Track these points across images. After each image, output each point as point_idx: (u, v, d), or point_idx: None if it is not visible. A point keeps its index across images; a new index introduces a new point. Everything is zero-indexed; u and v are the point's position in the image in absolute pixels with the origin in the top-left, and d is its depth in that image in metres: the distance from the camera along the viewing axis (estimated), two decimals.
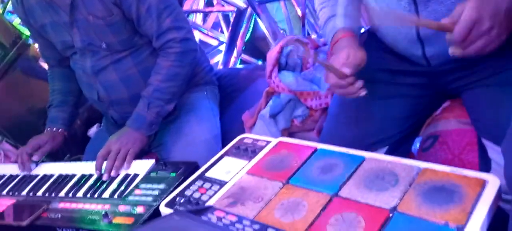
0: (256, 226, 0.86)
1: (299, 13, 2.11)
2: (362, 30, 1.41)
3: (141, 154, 1.47)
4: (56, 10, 1.45)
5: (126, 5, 1.39)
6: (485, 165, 1.07)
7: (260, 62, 2.54)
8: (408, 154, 1.31)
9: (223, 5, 2.22)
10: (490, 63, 1.08)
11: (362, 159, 0.99)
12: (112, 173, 1.33)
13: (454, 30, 0.89)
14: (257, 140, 1.19)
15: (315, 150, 1.06)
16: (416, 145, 1.35)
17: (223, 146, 1.55)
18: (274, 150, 1.11)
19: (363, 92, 1.09)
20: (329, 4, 1.27)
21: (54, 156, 1.72)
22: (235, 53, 2.23)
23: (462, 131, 1.16)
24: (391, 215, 0.83)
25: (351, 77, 1.08)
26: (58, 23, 1.48)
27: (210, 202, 1.00)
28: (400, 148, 1.26)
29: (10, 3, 2.45)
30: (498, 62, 1.07)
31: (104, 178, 1.33)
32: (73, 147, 1.96)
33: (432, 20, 0.98)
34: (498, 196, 0.82)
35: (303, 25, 2.05)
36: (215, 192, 1.03)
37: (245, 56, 2.40)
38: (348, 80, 1.08)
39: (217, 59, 2.45)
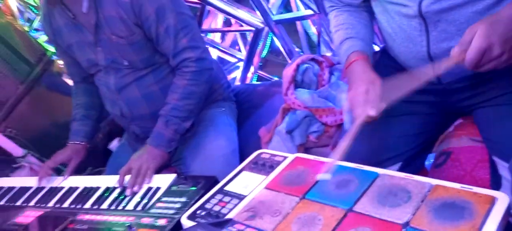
0: None
1: (315, 31, 2.17)
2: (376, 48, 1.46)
3: (161, 169, 1.53)
4: (82, 30, 1.53)
5: (147, 26, 1.46)
6: (495, 181, 1.10)
7: (276, 78, 2.60)
8: (421, 170, 1.35)
9: (241, 25, 2.29)
10: (500, 83, 1.12)
11: (376, 175, 1.03)
12: (135, 189, 1.39)
13: (466, 60, 0.92)
14: (274, 155, 1.23)
15: None
16: (430, 160, 1.38)
17: (241, 160, 1.61)
18: (291, 166, 1.16)
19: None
20: (344, 26, 1.30)
21: (76, 168, 1.80)
22: (252, 70, 2.30)
23: (474, 148, 1.20)
24: (404, 230, 0.86)
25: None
26: (84, 42, 1.56)
27: (230, 215, 1.05)
28: (413, 164, 1.29)
29: (36, 21, 2.57)
30: (508, 81, 1.10)
31: (127, 193, 1.39)
32: (94, 160, 2.03)
33: (443, 62, 1.01)
34: (507, 212, 0.85)
35: (319, 43, 2.10)
36: (235, 206, 1.08)
37: (261, 73, 2.47)
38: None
39: (235, 75, 2.52)
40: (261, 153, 1.26)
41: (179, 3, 1.48)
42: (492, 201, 0.87)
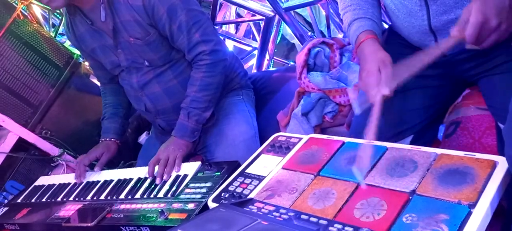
0: (291, 213, 0.99)
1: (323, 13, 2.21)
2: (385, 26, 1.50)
3: (187, 157, 1.63)
4: (102, 35, 1.63)
5: (160, 25, 1.55)
6: (502, 147, 1.15)
7: (291, 63, 2.66)
8: (433, 141, 1.40)
9: (253, 15, 2.36)
10: (503, 51, 1.16)
11: (385, 149, 1.10)
12: (164, 177, 1.49)
13: (466, 36, 0.98)
14: (290, 137, 1.31)
15: (343, 143, 1.18)
16: (441, 131, 1.43)
17: (261, 144, 1.69)
18: (306, 146, 1.24)
19: None
20: (352, 7, 1.33)
21: (110, 162, 1.92)
22: (267, 57, 2.37)
23: (481, 117, 1.25)
24: (410, 197, 0.93)
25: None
26: (105, 46, 1.66)
27: (251, 195, 1.14)
28: (425, 136, 1.34)
29: (61, 26, 2.69)
30: (510, 49, 1.14)
31: (157, 181, 1.49)
32: (126, 154, 2.15)
33: (446, 40, 1.05)
34: (508, 175, 0.91)
35: (328, 26, 2.15)
36: (255, 186, 1.17)
37: (276, 58, 2.53)
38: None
39: (251, 63, 2.59)
40: (278, 136, 1.34)
41: (188, 0, 1.56)
42: (493, 165, 0.93)
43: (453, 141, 1.29)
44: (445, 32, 1.18)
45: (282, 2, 2.19)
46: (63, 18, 2.12)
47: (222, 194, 1.20)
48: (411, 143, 1.31)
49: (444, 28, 1.17)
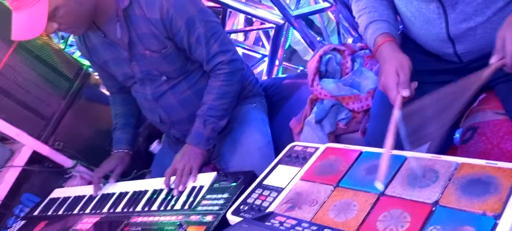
0: (314, 228, 0.99)
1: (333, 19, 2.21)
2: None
3: (202, 166, 1.63)
4: (116, 47, 1.63)
5: (178, 38, 1.55)
6: None
7: (301, 68, 2.66)
8: (450, 146, 1.40)
9: (262, 23, 2.36)
10: None
11: (404, 159, 1.09)
12: (180, 188, 1.49)
13: (507, 66, 1.00)
14: (306, 147, 1.31)
15: (360, 153, 1.18)
16: (457, 135, 1.43)
17: (275, 151, 1.70)
18: (323, 156, 1.23)
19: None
20: (366, 10, 1.33)
21: (123, 172, 1.92)
22: (276, 63, 2.37)
23: (499, 122, 1.24)
24: (433, 208, 0.93)
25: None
26: (119, 58, 1.66)
27: (271, 208, 1.13)
28: (442, 142, 1.34)
29: (71, 37, 2.70)
30: None
31: (174, 193, 1.49)
32: (138, 163, 2.15)
33: (487, 70, 1.04)
34: None
35: (338, 33, 2.15)
36: (274, 199, 1.17)
37: (286, 64, 2.53)
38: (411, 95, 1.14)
39: (261, 68, 2.60)
40: (294, 146, 1.34)
41: (205, 11, 1.57)
42: None
43: (471, 146, 1.28)
44: (464, 39, 1.18)
45: (291, 10, 2.19)
46: None
47: (241, 207, 1.20)
48: (428, 149, 1.31)
49: (463, 36, 1.17)
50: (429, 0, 1.17)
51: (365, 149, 1.18)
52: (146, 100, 1.74)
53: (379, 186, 1.01)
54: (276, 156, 1.38)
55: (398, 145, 1.19)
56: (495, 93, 1.25)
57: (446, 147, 1.35)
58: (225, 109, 1.61)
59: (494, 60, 1.02)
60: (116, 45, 1.63)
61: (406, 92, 1.13)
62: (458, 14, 1.16)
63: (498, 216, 0.85)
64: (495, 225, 0.84)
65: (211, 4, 2.31)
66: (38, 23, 1.39)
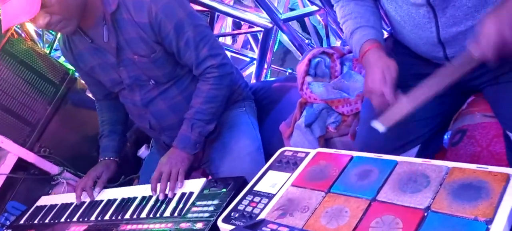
0: None
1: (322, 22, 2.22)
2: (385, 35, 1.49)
3: (190, 170, 1.61)
4: (103, 53, 1.60)
5: (167, 42, 1.53)
6: None
7: (289, 71, 2.66)
8: (440, 149, 1.40)
9: (250, 26, 2.35)
10: (508, 60, 1.15)
11: (395, 163, 1.09)
12: (169, 194, 1.47)
13: (488, 61, 1.00)
14: (297, 152, 1.30)
15: (351, 158, 1.17)
16: (446, 137, 1.43)
17: (265, 155, 1.68)
18: (313, 161, 1.22)
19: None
20: (352, 16, 1.32)
21: (110, 178, 1.90)
22: (265, 66, 2.37)
23: (487, 124, 1.25)
24: (425, 214, 0.93)
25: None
26: (106, 64, 1.63)
27: (262, 215, 1.12)
28: (431, 145, 1.34)
29: (56, 41, 2.66)
30: None
31: (160, 197, 1.47)
32: (126, 168, 2.13)
33: (461, 57, 1.06)
34: None
35: (327, 36, 2.15)
36: (265, 205, 1.15)
37: (274, 66, 2.52)
38: (392, 99, 1.15)
39: (250, 71, 2.59)
40: (284, 151, 1.33)
41: (194, 15, 1.55)
42: (507, 178, 0.92)
43: (460, 149, 1.29)
44: (455, 43, 1.18)
45: (280, 13, 2.19)
46: (58, 34, 2.09)
47: (232, 214, 1.18)
48: (418, 152, 1.31)
49: (454, 40, 1.17)
50: (419, 4, 1.17)
51: (355, 153, 1.18)
52: (135, 107, 1.71)
53: (379, 126, 1.01)
54: (266, 160, 1.37)
55: (388, 150, 1.20)
56: (484, 96, 1.26)
57: (435, 149, 1.35)
58: (213, 113, 1.60)
59: (471, 48, 1.02)
60: (103, 51, 1.60)
61: (388, 94, 1.14)
62: (448, 18, 1.16)
63: (489, 221, 0.85)
64: (487, 230, 0.84)
65: (199, 8, 2.30)
66: (32, 6, 1.35)
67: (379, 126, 1.09)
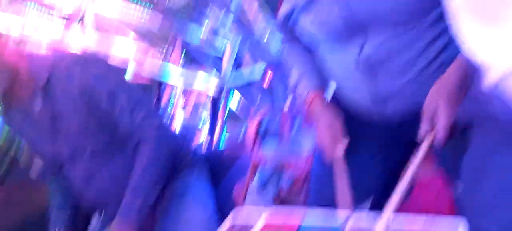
0: None
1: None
2: None
3: None
4: (38, 125, 1.54)
5: (100, 112, 1.48)
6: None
7: (245, 127, 2.64)
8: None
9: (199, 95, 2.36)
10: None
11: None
12: None
13: (438, 139, 1.01)
14: (246, 227, 1.23)
15: (299, 227, 1.12)
16: None
17: (221, 220, 1.62)
18: None
19: None
20: (297, 64, 1.34)
21: None
22: (218, 131, 2.35)
23: (435, 178, 1.25)
24: None
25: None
26: (43, 136, 1.56)
27: None
28: (386, 195, 1.32)
29: None
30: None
31: None
32: None
33: (423, 147, 1.07)
34: None
35: (275, 95, 2.16)
36: None
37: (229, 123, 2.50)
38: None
39: (202, 140, 2.56)
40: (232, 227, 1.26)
41: (127, 83, 1.52)
42: None
43: (411, 200, 1.27)
44: (394, 99, 1.19)
45: (226, 82, 2.20)
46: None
47: None
48: (372, 204, 1.30)
49: (393, 95, 1.19)
50: (354, 69, 1.18)
51: (305, 220, 1.13)
52: (77, 180, 1.62)
53: None
54: None
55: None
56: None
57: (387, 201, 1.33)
58: (155, 181, 1.53)
59: (423, 130, 1.02)
60: (38, 123, 1.53)
61: (340, 150, 1.15)
62: (383, 77, 1.17)
63: None
64: None
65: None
66: None
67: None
